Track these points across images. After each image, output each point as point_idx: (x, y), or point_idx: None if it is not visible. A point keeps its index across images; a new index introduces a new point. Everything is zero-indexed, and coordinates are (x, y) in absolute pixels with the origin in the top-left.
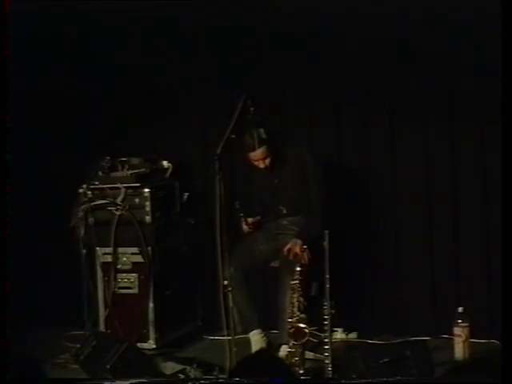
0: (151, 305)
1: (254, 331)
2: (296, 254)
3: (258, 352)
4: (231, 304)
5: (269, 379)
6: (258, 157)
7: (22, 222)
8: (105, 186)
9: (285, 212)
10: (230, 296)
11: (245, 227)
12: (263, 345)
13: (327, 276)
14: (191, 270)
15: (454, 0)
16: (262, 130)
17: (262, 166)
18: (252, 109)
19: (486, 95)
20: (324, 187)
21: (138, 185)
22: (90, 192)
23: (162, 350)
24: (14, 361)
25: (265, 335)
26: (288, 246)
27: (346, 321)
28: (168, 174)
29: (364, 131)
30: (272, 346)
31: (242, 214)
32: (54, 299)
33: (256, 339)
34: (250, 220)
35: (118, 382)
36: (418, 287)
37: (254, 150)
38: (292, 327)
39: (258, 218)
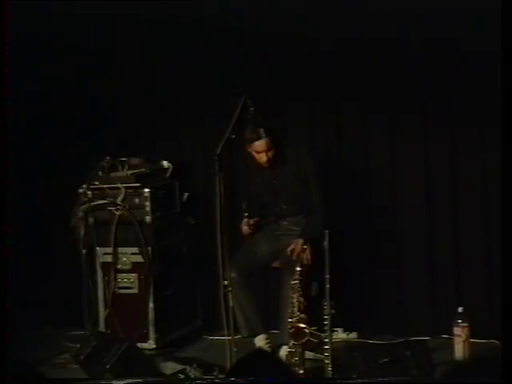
0: (151, 305)
1: (260, 336)
2: (299, 254)
3: (257, 352)
4: (232, 304)
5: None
6: (262, 147)
7: (22, 222)
8: (105, 186)
9: (285, 212)
10: (231, 296)
11: (245, 227)
12: (267, 350)
13: (327, 276)
14: (191, 270)
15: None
16: (262, 130)
17: (264, 158)
18: (252, 109)
19: (486, 95)
20: (324, 187)
21: (138, 185)
22: (90, 192)
23: (162, 350)
24: (13, 363)
25: (270, 341)
26: (291, 246)
27: (346, 321)
28: (168, 174)
29: (364, 131)
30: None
31: (247, 214)
32: (53, 299)
33: (261, 344)
34: (251, 221)
35: (117, 381)
36: (417, 287)
37: (259, 139)
38: (292, 327)
39: (257, 218)
